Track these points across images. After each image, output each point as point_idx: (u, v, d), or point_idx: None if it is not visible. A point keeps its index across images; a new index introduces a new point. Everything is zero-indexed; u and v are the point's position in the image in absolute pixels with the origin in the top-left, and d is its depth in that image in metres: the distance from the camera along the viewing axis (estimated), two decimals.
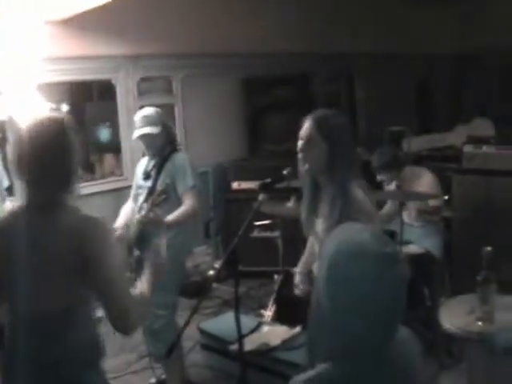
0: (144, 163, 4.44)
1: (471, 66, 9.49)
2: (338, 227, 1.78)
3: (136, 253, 4.16)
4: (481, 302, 3.25)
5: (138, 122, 4.26)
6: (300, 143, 2.88)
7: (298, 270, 3.40)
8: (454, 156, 6.39)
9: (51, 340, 2.27)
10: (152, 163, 4.35)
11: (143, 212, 4.00)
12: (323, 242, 2.41)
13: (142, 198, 4.28)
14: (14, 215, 2.37)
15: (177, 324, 4.24)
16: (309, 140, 2.84)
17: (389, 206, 5.33)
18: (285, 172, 2.95)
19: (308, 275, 3.33)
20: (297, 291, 3.37)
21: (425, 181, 5.10)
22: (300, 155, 2.88)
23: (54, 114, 2.42)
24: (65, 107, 6.86)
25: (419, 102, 9.84)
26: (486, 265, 3.25)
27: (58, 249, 2.22)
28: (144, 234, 4.11)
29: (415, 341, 1.83)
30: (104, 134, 7.01)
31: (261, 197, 2.83)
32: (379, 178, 5.12)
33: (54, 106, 6.17)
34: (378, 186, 5.46)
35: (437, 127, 8.27)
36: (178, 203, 4.13)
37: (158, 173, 4.24)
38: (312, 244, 3.29)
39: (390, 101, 8.84)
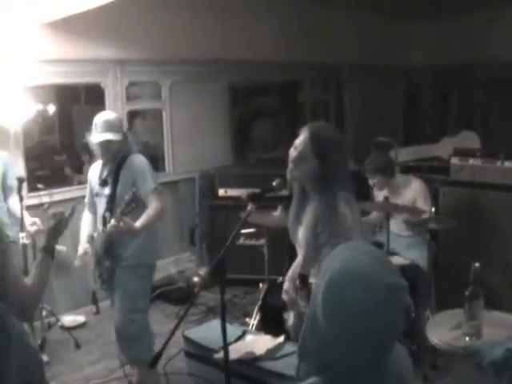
0: (97, 169, 4.31)
1: (458, 79, 9.54)
2: (339, 245, 1.74)
3: (107, 263, 4.11)
4: (468, 317, 3.25)
5: (99, 126, 4.07)
6: (292, 153, 2.91)
7: (288, 275, 3.39)
8: (441, 167, 6.44)
9: None
10: (106, 169, 4.23)
11: (112, 222, 3.82)
12: (322, 258, 2.41)
13: (102, 206, 4.17)
14: None
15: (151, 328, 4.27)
16: (301, 154, 2.87)
17: (376, 214, 5.35)
18: (274, 183, 2.96)
19: (294, 282, 3.32)
20: (284, 297, 3.35)
21: (415, 186, 5.13)
22: (291, 165, 2.91)
23: None
24: (51, 108, 6.84)
25: (407, 114, 9.88)
26: (473, 280, 3.25)
27: None
28: (112, 243, 4.05)
29: (407, 354, 1.81)
30: None
31: (249, 207, 2.83)
32: (371, 182, 5.12)
33: (41, 107, 6.15)
34: (366, 196, 5.46)
35: (423, 139, 8.30)
36: (142, 207, 4.00)
37: (116, 179, 4.13)
38: None
39: (378, 112, 8.87)
